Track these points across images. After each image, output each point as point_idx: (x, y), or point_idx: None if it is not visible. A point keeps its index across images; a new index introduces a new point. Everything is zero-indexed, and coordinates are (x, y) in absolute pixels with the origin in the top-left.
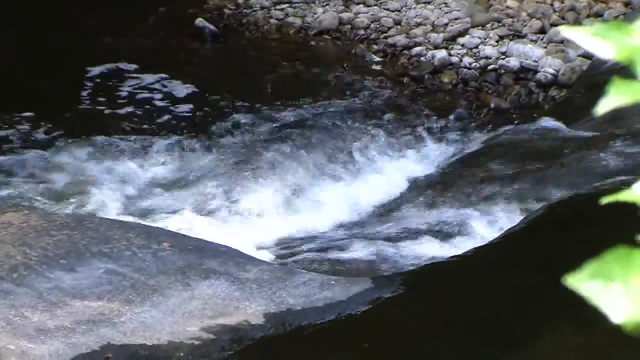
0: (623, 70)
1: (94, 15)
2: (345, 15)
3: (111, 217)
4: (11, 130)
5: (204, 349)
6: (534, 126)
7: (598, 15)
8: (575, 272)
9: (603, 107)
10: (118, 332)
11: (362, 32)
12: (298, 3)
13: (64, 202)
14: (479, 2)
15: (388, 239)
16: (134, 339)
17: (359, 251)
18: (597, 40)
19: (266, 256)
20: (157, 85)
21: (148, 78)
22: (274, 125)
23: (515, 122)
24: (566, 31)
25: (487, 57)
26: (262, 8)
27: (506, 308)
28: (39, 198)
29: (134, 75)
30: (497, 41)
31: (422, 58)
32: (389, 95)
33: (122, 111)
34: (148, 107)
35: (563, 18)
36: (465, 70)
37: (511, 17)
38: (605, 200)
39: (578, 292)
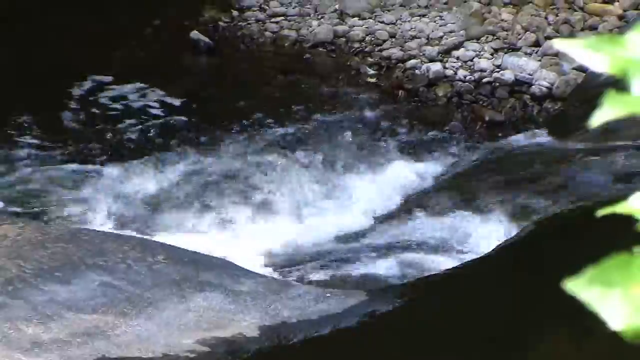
0: (618, 83)
1: (89, 27)
2: (340, 28)
3: (106, 230)
4: (4, 142)
5: None
6: (529, 139)
7: (592, 28)
8: (575, 278)
9: (597, 119)
10: (113, 345)
11: (357, 45)
12: (293, 16)
13: (59, 215)
14: (473, 15)
15: (383, 251)
16: (129, 352)
17: (355, 264)
18: (590, 53)
19: (261, 269)
20: (151, 98)
21: (142, 90)
22: (268, 137)
23: (510, 135)
24: (560, 44)
25: (481, 70)
26: (257, 21)
27: (503, 319)
28: (33, 211)
29: (129, 87)
30: (491, 54)
31: (416, 71)
32: (383, 108)
33: (116, 123)
34: (142, 119)
35: (557, 31)
36: (460, 83)
37: (506, 30)
38: (601, 212)
39: (577, 298)
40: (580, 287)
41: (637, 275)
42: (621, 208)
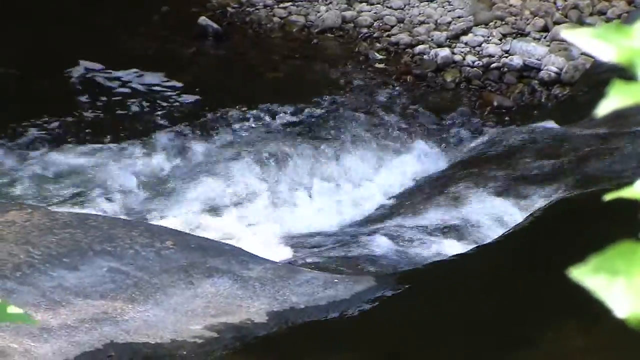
0: (626, 69)
1: (97, 14)
2: (349, 14)
3: (114, 216)
4: (14, 130)
5: (207, 348)
6: (536, 125)
7: (601, 13)
8: (580, 266)
9: (603, 108)
10: (121, 331)
11: (365, 30)
12: (301, 1)
13: (67, 201)
14: (481, 0)
15: (391, 237)
16: (137, 338)
17: (363, 250)
18: (597, 43)
19: (270, 254)
20: (160, 84)
21: (151, 77)
22: (277, 123)
23: (518, 121)
24: (567, 33)
25: (490, 56)
26: (265, 6)
27: (509, 307)
28: (42, 197)
29: (137, 74)
30: (500, 39)
31: (425, 56)
32: (391, 94)
33: (125, 110)
34: (151, 105)
35: (566, 16)
36: (468, 68)
37: (514, 16)
38: (609, 197)
39: (582, 286)
40: (585, 275)
41: None
42: (627, 193)
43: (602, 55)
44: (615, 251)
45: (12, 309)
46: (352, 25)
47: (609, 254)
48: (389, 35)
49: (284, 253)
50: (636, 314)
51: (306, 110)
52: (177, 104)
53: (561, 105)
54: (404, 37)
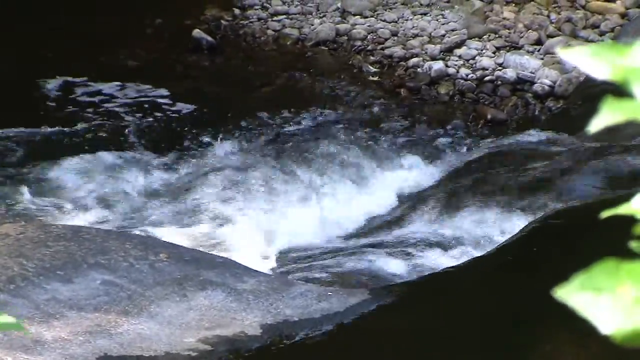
0: (620, 85)
1: (90, 26)
2: (342, 27)
3: (108, 228)
4: (6, 141)
5: None
6: (531, 137)
7: (594, 26)
8: (565, 284)
9: (595, 125)
10: (115, 344)
11: (359, 43)
12: (295, 14)
13: (61, 214)
14: (475, 13)
15: (385, 250)
16: (131, 350)
17: (357, 262)
18: (592, 61)
19: (264, 267)
20: (153, 97)
21: (145, 89)
22: (270, 137)
23: (512, 133)
24: (563, 53)
25: (483, 69)
26: (259, 19)
27: (503, 319)
28: (35, 210)
29: (130, 86)
30: (493, 52)
31: (418, 69)
32: (385, 107)
33: (118, 123)
34: (144, 118)
35: (559, 29)
36: (462, 81)
37: (508, 29)
38: (605, 214)
39: (567, 304)
40: (570, 293)
41: (626, 280)
42: (624, 209)
43: (598, 73)
44: (599, 269)
45: (4, 318)
46: (346, 38)
47: (593, 271)
48: (382, 48)
49: (276, 266)
50: (621, 330)
51: (299, 123)
52: (169, 115)
53: (555, 118)
54: (398, 50)
